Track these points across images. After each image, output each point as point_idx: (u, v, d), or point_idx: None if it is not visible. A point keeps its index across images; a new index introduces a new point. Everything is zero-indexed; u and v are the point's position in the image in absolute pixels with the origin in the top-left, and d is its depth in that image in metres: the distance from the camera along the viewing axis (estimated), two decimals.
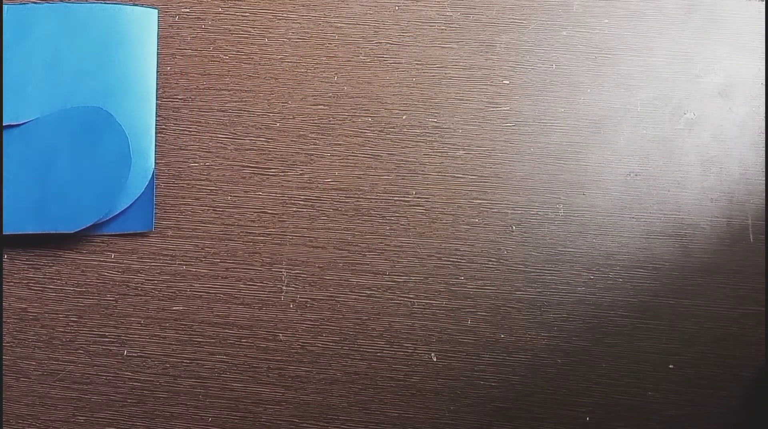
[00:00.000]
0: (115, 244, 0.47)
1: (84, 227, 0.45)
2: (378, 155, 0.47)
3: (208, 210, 0.47)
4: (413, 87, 0.47)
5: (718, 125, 0.47)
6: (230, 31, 0.48)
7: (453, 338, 0.46)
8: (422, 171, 0.47)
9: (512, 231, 0.46)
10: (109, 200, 0.46)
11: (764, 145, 0.47)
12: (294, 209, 0.47)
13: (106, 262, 0.46)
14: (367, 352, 0.46)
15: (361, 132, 0.47)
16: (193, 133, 0.47)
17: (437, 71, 0.48)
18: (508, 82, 0.47)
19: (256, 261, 0.46)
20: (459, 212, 0.47)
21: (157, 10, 0.48)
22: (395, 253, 0.46)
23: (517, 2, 0.48)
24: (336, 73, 0.48)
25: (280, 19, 0.48)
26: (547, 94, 0.47)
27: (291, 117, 0.47)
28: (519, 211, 0.46)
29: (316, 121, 0.47)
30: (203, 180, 0.47)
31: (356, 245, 0.46)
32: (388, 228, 0.46)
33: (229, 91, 0.48)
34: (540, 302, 0.46)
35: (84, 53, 0.47)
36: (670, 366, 0.45)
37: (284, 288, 0.46)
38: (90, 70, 0.47)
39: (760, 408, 0.45)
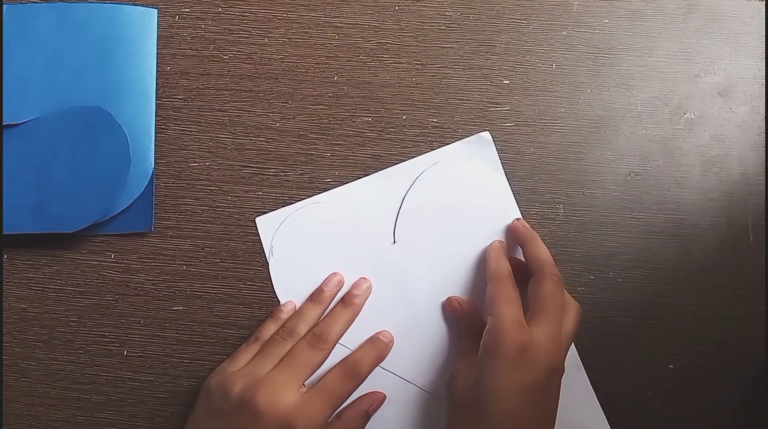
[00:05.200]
0: (115, 244, 0.47)
1: (84, 227, 0.45)
2: (378, 155, 0.47)
3: (208, 210, 0.47)
4: (413, 87, 0.47)
5: (718, 125, 0.47)
6: (230, 31, 0.48)
7: None
8: None
9: None
10: (108, 200, 0.46)
11: (764, 145, 0.47)
12: None
13: (106, 262, 0.46)
14: None
15: (361, 132, 0.47)
16: (193, 133, 0.47)
17: (437, 71, 0.48)
18: (508, 82, 0.47)
19: (256, 261, 0.46)
20: None
21: (156, 10, 0.48)
22: None
23: (517, 2, 0.48)
24: (336, 73, 0.48)
25: (280, 19, 0.48)
26: (547, 94, 0.47)
27: (291, 117, 0.47)
28: (519, 211, 0.46)
29: (316, 121, 0.47)
30: (203, 180, 0.47)
31: None
32: None
33: (229, 91, 0.48)
34: None
35: (84, 53, 0.47)
36: (670, 366, 0.45)
37: None
38: (90, 70, 0.47)
39: (760, 408, 0.45)
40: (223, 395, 0.41)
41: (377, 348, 0.44)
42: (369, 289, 0.45)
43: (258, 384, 0.40)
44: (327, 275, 0.45)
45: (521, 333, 0.38)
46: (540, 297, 0.40)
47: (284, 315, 0.45)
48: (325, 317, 0.45)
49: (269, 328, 0.44)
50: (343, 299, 0.45)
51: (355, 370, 0.42)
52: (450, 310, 0.45)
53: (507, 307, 0.40)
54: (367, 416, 0.43)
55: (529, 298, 0.41)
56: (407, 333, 0.45)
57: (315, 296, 0.45)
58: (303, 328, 0.44)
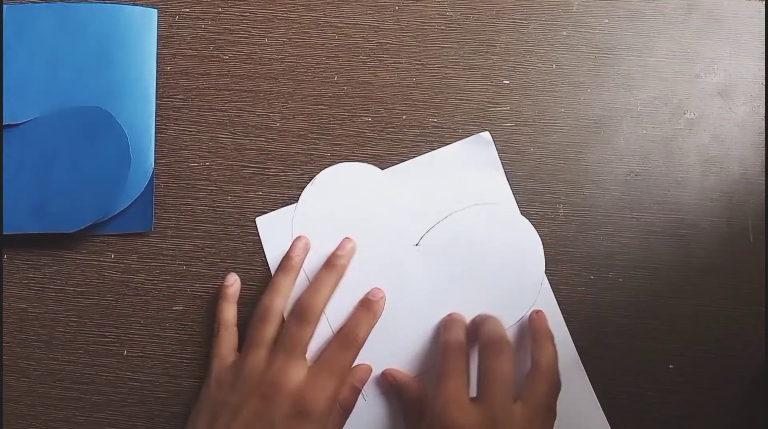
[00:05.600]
0: (115, 244, 0.47)
1: (84, 227, 0.45)
2: (378, 155, 0.47)
3: (208, 210, 0.47)
4: (413, 87, 0.47)
5: (718, 125, 0.47)
6: (230, 31, 0.48)
7: None
8: None
9: None
10: (108, 200, 0.46)
11: (764, 145, 0.47)
12: None
13: (106, 262, 0.46)
14: None
15: (361, 132, 0.47)
16: (193, 133, 0.47)
17: (437, 71, 0.48)
18: (508, 82, 0.47)
19: (256, 261, 0.46)
20: None
21: (156, 10, 0.48)
22: None
23: (517, 2, 0.48)
24: (336, 73, 0.48)
25: (280, 19, 0.48)
26: (547, 94, 0.47)
27: (291, 117, 0.47)
28: (519, 211, 0.46)
29: (316, 121, 0.47)
30: (203, 180, 0.47)
31: None
32: None
33: (229, 91, 0.48)
34: None
35: (84, 53, 0.47)
36: (670, 366, 0.45)
37: None
38: (90, 70, 0.47)
39: (760, 408, 0.45)
40: (229, 389, 0.41)
41: (369, 309, 0.43)
42: (353, 249, 0.44)
43: (262, 370, 0.40)
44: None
45: (460, 413, 0.38)
46: (531, 394, 0.40)
47: (233, 290, 0.44)
48: (308, 286, 0.43)
49: (227, 310, 0.44)
50: (326, 262, 0.44)
51: (351, 337, 0.42)
52: (387, 383, 0.43)
53: (451, 384, 0.39)
54: (355, 388, 0.42)
55: (523, 388, 0.40)
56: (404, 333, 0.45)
57: (284, 265, 0.44)
58: (279, 302, 0.43)
